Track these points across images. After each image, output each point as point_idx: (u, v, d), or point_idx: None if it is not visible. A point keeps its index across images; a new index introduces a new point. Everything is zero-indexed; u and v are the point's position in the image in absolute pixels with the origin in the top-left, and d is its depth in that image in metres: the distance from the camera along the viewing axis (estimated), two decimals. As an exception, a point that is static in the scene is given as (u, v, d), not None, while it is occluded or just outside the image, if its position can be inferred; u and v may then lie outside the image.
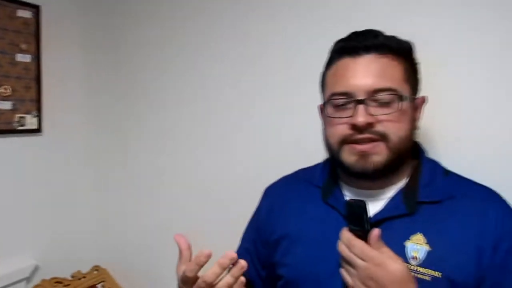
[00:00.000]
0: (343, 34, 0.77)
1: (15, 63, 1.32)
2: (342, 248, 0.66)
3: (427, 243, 0.69)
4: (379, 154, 0.70)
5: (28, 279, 1.39)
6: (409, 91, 0.72)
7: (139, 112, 1.44)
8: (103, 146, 1.55)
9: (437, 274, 0.66)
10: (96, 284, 1.25)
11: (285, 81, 1.12)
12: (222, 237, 1.02)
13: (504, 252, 0.67)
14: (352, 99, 0.70)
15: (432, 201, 0.72)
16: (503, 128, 0.86)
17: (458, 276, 0.66)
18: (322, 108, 0.79)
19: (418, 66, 0.77)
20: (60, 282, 1.20)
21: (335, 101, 0.73)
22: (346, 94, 0.71)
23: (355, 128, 0.70)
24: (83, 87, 1.55)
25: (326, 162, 0.85)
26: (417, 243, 0.69)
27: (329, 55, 0.78)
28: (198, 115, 1.29)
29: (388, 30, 0.74)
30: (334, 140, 0.74)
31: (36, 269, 1.40)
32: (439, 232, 0.69)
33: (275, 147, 1.13)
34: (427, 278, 0.67)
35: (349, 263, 0.65)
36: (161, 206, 1.39)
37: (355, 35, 0.75)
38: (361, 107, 0.69)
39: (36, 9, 1.37)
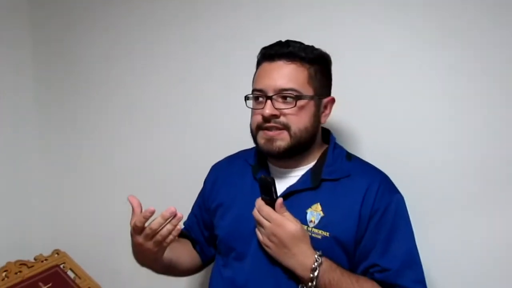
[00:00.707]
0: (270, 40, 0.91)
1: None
2: (255, 212, 0.83)
3: (321, 211, 0.85)
4: (282, 140, 0.85)
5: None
6: (312, 92, 0.87)
7: (89, 104, 1.54)
8: (58, 136, 1.64)
9: (326, 233, 0.83)
10: (59, 265, 1.36)
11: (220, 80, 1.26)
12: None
13: (374, 224, 0.83)
14: (264, 94, 0.85)
15: (332, 179, 0.87)
16: (403, 123, 1.03)
17: (341, 236, 0.83)
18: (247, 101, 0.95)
19: (325, 71, 0.90)
20: (25, 264, 1.30)
21: (254, 95, 0.88)
22: (261, 91, 0.86)
23: (264, 118, 0.85)
24: (35, 81, 1.63)
25: None
26: (315, 210, 0.85)
27: (257, 59, 0.92)
28: (145, 109, 1.41)
29: (311, 41, 0.89)
30: (253, 126, 0.89)
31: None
32: (332, 202, 0.85)
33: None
34: (319, 236, 0.83)
35: (260, 224, 0.82)
36: (111, 193, 1.52)
37: (275, 45, 0.89)
38: (269, 101, 0.84)
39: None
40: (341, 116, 1.06)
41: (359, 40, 1.06)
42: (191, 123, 1.35)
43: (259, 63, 0.92)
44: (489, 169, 0.95)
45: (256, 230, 0.85)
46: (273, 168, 0.93)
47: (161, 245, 0.82)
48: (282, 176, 0.90)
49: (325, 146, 0.93)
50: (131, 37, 1.42)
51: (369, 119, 1.07)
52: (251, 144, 1.00)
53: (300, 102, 0.84)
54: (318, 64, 0.88)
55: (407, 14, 1.01)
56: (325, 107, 0.90)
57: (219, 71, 1.27)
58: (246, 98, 0.91)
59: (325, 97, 0.90)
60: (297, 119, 0.85)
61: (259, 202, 0.83)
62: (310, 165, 0.91)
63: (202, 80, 1.30)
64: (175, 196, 1.19)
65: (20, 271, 1.25)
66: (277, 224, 0.80)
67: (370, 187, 0.86)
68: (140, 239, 0.81)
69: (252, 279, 0.87)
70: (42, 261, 1.33)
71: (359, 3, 1.05)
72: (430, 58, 1.00)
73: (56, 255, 1.39)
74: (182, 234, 1.03)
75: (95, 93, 1.54)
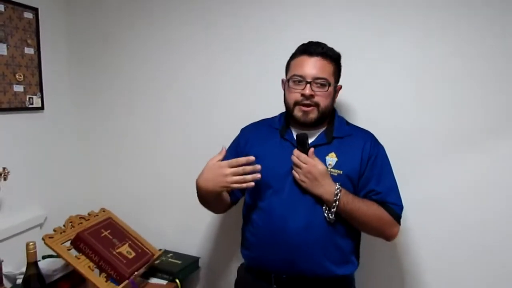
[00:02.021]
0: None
1: (23, 55, 1.66)
2: (293, 158, 1.24)
3: (336, 157, 1.28)
4: (313, 113, 1.27)
5: (41, 225, 1.77)
6: (334, 81, 1.29)
7: (118, 91, 1.88)
8: (88, 118, 1.95)
9: (340, 172, 1.27)
10: (110, 217, 1.67)
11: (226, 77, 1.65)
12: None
13: (371, 164, 1.29)
14: (304, 79, 1.25)
15: (339, 136, 1.32)
16: (385, 100, 1.51)
17: (350, 173, 1.27)
18: (284, 82, 1.34)
19: (339, 67, 1.32)
20: (83, 218, 1.60)
21: (294, 78, 1.27)
22: (301, 76, 1.26)
23: (304, 96, 1.25)
24: (71, 73, 1.92)
25: (281, 115, 1.40)
26: (331, 157, 1.29)
27: (295, 51, 1.31)
28: (173, 100, 1.77)
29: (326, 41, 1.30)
30: (291, 101, 1.29)
31: (46, 219, 1.79)
32: (342, 151, 1.29)
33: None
34: (335, 174, 1.26)
35: (297, 166, 1.23)
36: (138, 164, 1.88)
37: (311, 44, 1.29)
38: (308, 85, 1.24)
39: (35, 11, 1.71)
40: (344, 97, 1.50)
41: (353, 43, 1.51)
42: (216, 102, 1.73)
43: (295, 56, 1.30)
44: (453, 131, 1.47)
45: (293, 171, 1.25)
46: (295, 130, 1.33)
47: (238, 184, 1.19)
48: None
49: (331, 116, 1.36)
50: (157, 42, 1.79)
51: (361, 98, 1.55)
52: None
53: (329, 88, 1.26)
54: (337, 61, 1.30)
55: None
56: (337, 92, 1.33)
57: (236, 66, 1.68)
58: (288, 80, 1.29)
59: (338, 85, 1.32)
60: (324, 100, 1.27)
61: (297, 152, 1.24)
62: (322, 129, 1.33)
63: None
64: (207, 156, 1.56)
65: (81, 223, 1.56)
66: (312, 165, 1.22)
67: (366, 141, 1.31)
68: (227, 171, 1.19)
69: (288, 205, 1.26)
70: (94, 216, 1.64)
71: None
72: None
73: (103, 212, 1.70)
74: None
75: (127, 86, 1.87)
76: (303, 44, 1.30)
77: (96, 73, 1.90)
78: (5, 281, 1.46)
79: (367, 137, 1.34)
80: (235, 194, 1.42)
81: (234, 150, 1.42)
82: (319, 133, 1.32)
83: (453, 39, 1.44)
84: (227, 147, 1.24)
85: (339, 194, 1.21)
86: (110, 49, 1.87)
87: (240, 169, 1.20)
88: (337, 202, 1.20)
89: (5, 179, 1.40)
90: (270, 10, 1.61)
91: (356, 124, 1.43)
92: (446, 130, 1.49)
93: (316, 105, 1.26)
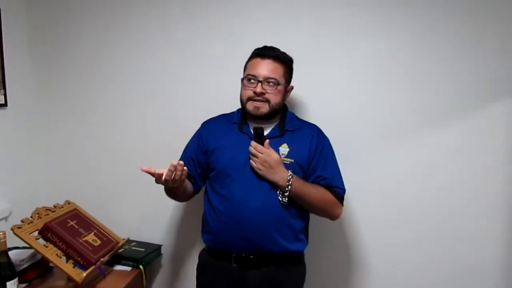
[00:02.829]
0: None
1: (-14, 53, 1.71)
2: (251, 148, 1.41)
3: (288, 147, 1.47)
4: (264, 108, 1.44)
5: (6, 218, 1.83)
6: (284, 82, 1.46)
7: (81, 86, 1.96)
8: (51, 112, 2.02)
9: (292, 160, 1.45)
10: (75, 209, 1.76)
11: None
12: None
13: (318, 154, 1.48)
14: (256, 79, 1.42)
15: (291, 129, 1.50)
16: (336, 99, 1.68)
17: (300, 161, 1.46)
18: (242, 80, 1.49)
19: (291, 69, 1.50)
20: (49, 209, 1.67)
21: (248, 77, 1.44)
22: (254, 76, 1.43)
23: (256, 93, 1.42)
24: (34, 69, 1.98)
25: (239, 111, 1.56)
26: (284, 148, 1.47)
27: (251, 54, 1.48)
28: (127, 90, 1.87)
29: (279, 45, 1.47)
30: (244, 97, 1.46)
31: (11, 212, 1.84)
32: (293, 142, 1.48)
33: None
34: (287, 162, 1.44)
35: (255, 155, 1.40)
36: (96, 153, 1.98)
37: (265, 48, 1.46)
38: (259, 84, 1.42)
39: (-4, 9, 1.76)
40: (301, 96, 1.70)
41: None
42: (177, 97, 1.86)
43: (251, 58, 1.48)
44: (392, 118, 1.70)
45: (251, 160, 1.42)
46: (251, 124, 1.50)
47: (180, 180, 1.33)
48: None
49: (283, 112, 1.54)
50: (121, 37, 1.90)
51: (309, 96, 1.75)
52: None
53: (278, 87, 1.43)
54: (288, 64, 1.48)
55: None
56: (288, 91, 1.51)
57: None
58: (243, 78, 1.47)
59: (289, 85, 1.50)
60: (274, 97, 1.45)
61: (254, 143, 1.42)
62: (275, 123, 1.51)
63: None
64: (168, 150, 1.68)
65: (47, 214, 1.64)
66: (267, 154, 1.39)
67: (313, 133, 1.51)
68: (170, 184, 1.32)
69: (247, 191, 1.43)
70: (60, 208, 1.72)
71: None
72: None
73: (68, 204, 1.78)
74: None
75: (86, 82, 1.95)
76: (258, 48, 1.48)
77: (58, 69, 1.97)
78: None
79: (315, 130, 1.54)
80: (197, 183, 1.58)
81: (196, 142, 1.58)
82: (273, 127, 1.50)
83: (383, 38, 1.67)
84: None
85: (291, 180, 1.38)
86: (71, 44, 1.95)
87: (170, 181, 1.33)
88: (289, 187, 1.38)
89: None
90: (229, 13, 1.77)
91: (305, 118, 1.63)
92: (384, 123, 1.73)
93: (267, 101, 1.43)
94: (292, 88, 1.53)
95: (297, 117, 1.58)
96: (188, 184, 1.54)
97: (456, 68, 1.64)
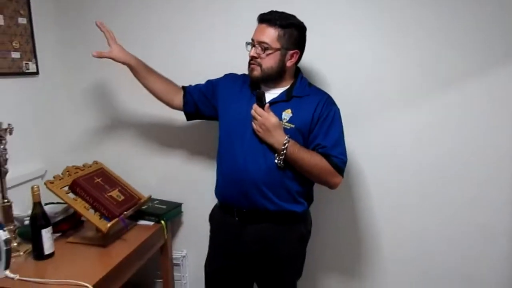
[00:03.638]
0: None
1: (18, 25, 1.85)
2: (252, 111, 1.47)
3: (291, 113, 1.51)
4: (257, 71, 1.50)
5: (42, 177, 2.02)
6: (279, 45, 1.47)
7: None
8: (78, 79, 2.15)
9: (292, 125, 1.50)
10: (102, 168, 1.93)
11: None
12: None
13: (320, 122, 1.50)
14: (252, 43, 1.48)
15: (298, 96, 1.54)
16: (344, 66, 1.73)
17: (301, 127, 1.51)
18: None
19: (294, 34, 1.48)
20: (78, 168, 1.84)
21: (249, 42, 1.51)
22: (251, 40, 1.49)
23: (250, 57, 1.47)
24: (61, 40, 2.11)
25: None
26: (287, 113, 1.52)
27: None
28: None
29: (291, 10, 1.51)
30: (248, 61, 1.51)
31: (47, 171, 2.03)
32: (297, 109, 1.52)
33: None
34: (288, 127, 1.50)
35: (255, 118, 1.47)
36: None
37: (265, 13, 1.48)
38: (253, 48, 1.47)
39: (26, -17, 1.89)
40: (312, 61, 1.76)
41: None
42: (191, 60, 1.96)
43: (258, 23, 1.51)
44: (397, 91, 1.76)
45: (252, 122, 1.49)
46: (263, 87, 1.56)
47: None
48: (269, 92, 1.54)
49: (295, 77, 1.59)
50: None
51: (326, 64, 1.80)
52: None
53: (268, 51, 1.47)
54: (287, 28, 1.47)
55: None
56: (291, 56, 1.51)
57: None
58: (247, 43, 1.52)
59: (291, 50, 1.50)
60: (265, 61, 1.49)
61: (255, 106, 1.48)
62: (285, 87, 1.55)
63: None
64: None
65: (76, 172, 1.81)
66: (265, 118, 1.45)
67: (319, 101, 1.52)
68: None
69: (247, 150, 1.52)
70: (88, 167, 1.89)
71: None
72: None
73: (95, 163, 1.94)
74: (183, 86, 1.74)
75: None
76: (262, 13, 1.50)
77: (84, 38, 2.08)
78: (15, 221, 1.72)
79: (323, 98, 1.54)
80: (187, 104, 1.73)
81: (211, 86, 1.70)
82: (281, 91, 1.55)
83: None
84: None
85: (286, 145, 1.44)
86: (96, 13, 2.04)
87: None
88: (284, 151, 1.44)
89: (10, 133, 1.63)
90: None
91: (318, 83, 1.68)
92: (395, 86, 1.78)
93: (259, 65, 1.49)
94: (296, 53, 1.52)
95: (309, 84, 1.60)
96: (173, 88, 1.74)
97: (470, 32, 1.65)
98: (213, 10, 1.90)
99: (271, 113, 1.46)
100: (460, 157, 1.75)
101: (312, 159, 1.47)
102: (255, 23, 1.52)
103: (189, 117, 1.77)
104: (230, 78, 1.70)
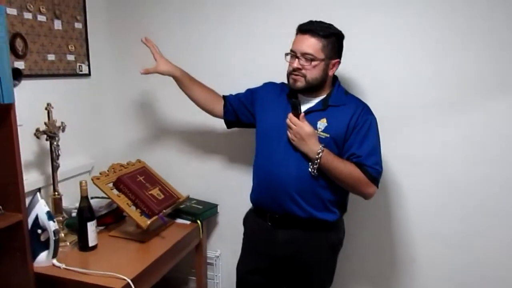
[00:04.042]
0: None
1: (74, 29, 1.98)
2: (287, 120, 1.50)
3: (326, 122, 1.53)
4: (301, 82, 1.51)
5: (89, 172, 2.14)
6: (323, 56, 1.48)
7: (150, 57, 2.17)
8: (126, 83, 2.27)
9: (327, 135, 1.52)
10: (144, 166, 2.02)
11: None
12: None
13: (356, 132, 1.50)
14: (295, 54, 1.50)
15: (334, 105, 1.55)
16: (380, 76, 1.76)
17: (336, 136, 1.51)
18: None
19: (335, 43, 1.50)
20: (123, 166, 1.95)
21: (289, 53, 1.52)
22: (293, 51, 1.51)
23: (293, 68, 1.50)
24: (112, 44, 2.24)
25: None
26: (322, 122, 1.53)
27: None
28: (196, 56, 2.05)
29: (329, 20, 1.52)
30: (288, 71, 1.54)
31: (93, 167, 2.16)
32: (333, 118, 1.53)
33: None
34: (323, 136, 1.51)
35: (289, 127, 1.49)
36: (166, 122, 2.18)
37: (306, 23, 1.50)
38: (297, 59, 1.49)
39: (83, -10, 2.02)
40: (350, 71, 1.78)
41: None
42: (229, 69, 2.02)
43: (296, 33, 1.52)
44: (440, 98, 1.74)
45: (287, 131, 1.51)
46: (300, 96, 1.58)
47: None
48: (305, 101, 1.56)
49: (332, 86, 1.60)
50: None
51: (362, 74, 1.81)
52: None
53: (314, 63, 1.48)
54: (330, 38, 1.48)
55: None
56: (333, 65, 1.53)
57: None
58: (286, 54, 1.54)
59: (333, 60, 1.52)
60: (310, 72, 1.50)
61: (290, 115, 1.50)
62: (323, 96, 1.57)
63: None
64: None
65: (121, 169, 1.91)
66: (300, 127, 1.47)
67: (355, 110, 1.52)
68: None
69: (282, 157, 1.54)
70: (132, 165, 1.99)
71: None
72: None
73: (139, 162, 2.04)
74: (223, 96, 1.79)
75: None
76: (300, 24, 1.52)
77: (132, 44, 2.19)
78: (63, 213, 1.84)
79: (359, 107, 1.54)
80: (228, 113, 1.78)
81: (250, 95, 1.75)
82: (318, 100, 1.57)
83: (440, 12, 1.69)
84: None
85: (321, 154, 1.45)
86: (144, 20, 2.16)
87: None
88: (318, 160, 1.46)
89: (63, 130, 1.75)
90: None
91: (355, 91, 1.70)
92: (437, 93, 1.75)
93: (304, 76, 1.50)
94: (338, 62, 1.54)
95: (346, 93, 1.60)
96: (214, 97, 1.81)
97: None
98: (248, 21, 1.97)
99: (306, 122, 1.48)
100: (498, 170, 1.71)
101: (346, 169, 1.47)
102: (289, 33, 1.55)
103: (229, 125, 1.83)
104: (268, 87, 1.74)
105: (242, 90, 1.82)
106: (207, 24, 2.04)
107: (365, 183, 1.48)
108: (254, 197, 1.68)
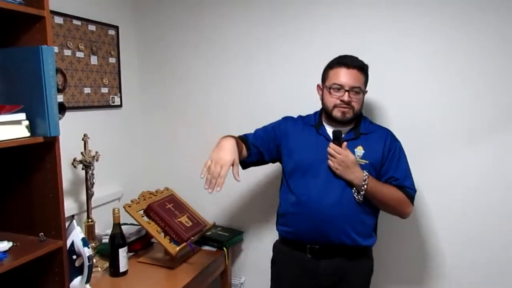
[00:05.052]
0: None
1: (108, 64, 2.11)
2: (330, 150, 1.54)
3: (363, 149, 1.59)
4: (349, 114, 1.57)
5: (119, 199, 2.22)
6: (364, 88, 1.59)
7: (179, 93, 2.27)
8: (154, 114, 2.37)
9: (366, 161, 1.57)
10: (172, 194, 2.09)
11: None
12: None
13: (390, 156, 1.58)
14: (343, 88, 1.55)
15: (365, 133, 1.62)
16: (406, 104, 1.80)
17: (374, 162, 1.57)
18: (321, 87, 1.65)
19: (367, 77, 1.60)
20: (152, 193, 2.02)
21: (334, 86, 1.57)
22: (341, 85, 1.55)
23: (343, 101, 1.55)
24: (142, 78, 2.36)
25: (316, 114, 1.71)
26: (359, 150, 1.59)
27: (333, 62, 1.58)
28: (219, 93, 2.13)
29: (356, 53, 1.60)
30: (330, 105, 1.58)
31: (123, 194, 2.24)
32: (367, 145, 1.60)
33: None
34: (362, 163, 1.56)
35: (333, 156, 1.53)
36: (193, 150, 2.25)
37: (347, 57, 1.56)
38: (346, 93, 1.55)
39: (116, 28, 2.15)
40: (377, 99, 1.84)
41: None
42: (260, 101, 2.09)
43: (333, 66, 1.57)
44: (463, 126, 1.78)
45: (328, 160, 1.54)
46: (327, 127, 1.64)
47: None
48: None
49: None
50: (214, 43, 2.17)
51: (382, 101, 1.87)
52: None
53: (360, 95, 1.57)
54: (366, 74, 1.59)
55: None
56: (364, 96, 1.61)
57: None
58: (329, 88, 1.57)
59: (365, 91, 1.61)
60: (358, 104, 1.58)
61: (332, 145, 1.54)
62: (350, 126, 1.63)
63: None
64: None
65: (150, 197, 1.98)
66: (345, 155, 1.52)
67: (386, 136, 1.61)
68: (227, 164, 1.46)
69: (324, 187, 1.55)
70: (160, 193, 2.06)
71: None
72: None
73: (167, 190, 2.11)
74: (241, 138, 1.67)
75: (184, 87, 2.27)
76: (341, 57, 1.59)
77: (160, 79, 2.32)
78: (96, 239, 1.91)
79: (388, 134, 1.64)
80: (252, 156, 1.69)
81: (272, 130, 1.71)
82: (348, 130, 1.63)
83: (461, 41, 1.75)
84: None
85: (366, 180, 1.51)
86: (170, 56, 2.28)
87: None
88: (365, 186, 1.50)
89: (97, 160, 1.84)
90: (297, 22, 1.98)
91: (379, 120, 1.79)
92: (455, 127, 1.80)
93: (352, 107, 1.56)
94: (366, 92, 1.63)
95: (371, 122, 1.70)
96: (243, 151, 1.64)
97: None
98: (275, 57, 2.05)
99: (349, 151, 1.54)
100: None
101: (389, 192, 1.55)
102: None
103: (246, 165, 1.73)
104: (289, 121, 1.76)
105: (275, 112, 1.86)
106: (234, 62, 2.15)
107: (406, 203, 1.57)
108: (289, 230, 1.66)
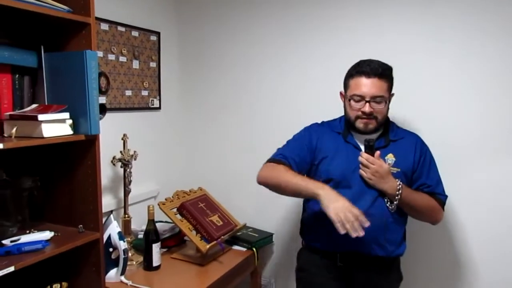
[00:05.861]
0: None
1: (149, 68, 2.21)
2: (362, 159, 1.50)
3: (394, 157, 1.56)
4: (372, 124, 1.53)
5: (155, 197, 2.32)
6: (388, 95, 1.53)
7: (216, 95, 2.35)
8: (191, 116, 2.46)
9: (398, 169, 1.54)
10: (205, 194, 2.16)
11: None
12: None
13: (422, 162, 1.56)
14: (364, 99, 1.50)
15: (394, 139, 1.59)
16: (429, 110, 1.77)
17: (406, 170, 1.55)
18: (343, 94, 1.61)
19: (393, 78, 1.53)
20: (186, 192, 2.10)
21: (355, 98, 1.50)
22: (361, 96, 1.50)
23: (364, 113, 1.51)
24: (181, 81, 2.45)
25: (341, 119, 1.67)
26: (390, 158, 1.56)
27: (352, 70, 1.51)
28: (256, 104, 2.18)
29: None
30: (352, 116, 1.54)
31: (159, 192, 2.33)
32: (398, 152, 1.57)
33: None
34: (394, 171, 1.54)
35: (366, 166, 1.50)
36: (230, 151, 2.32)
37: (366, 64, 1.47)
38: (367, 103, 1.50)
39: (158, 34, 2.25)
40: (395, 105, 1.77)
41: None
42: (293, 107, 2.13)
43: (353, 76, 1.51)
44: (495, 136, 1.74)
45: (360, 170, 1.50)
46: (355, 134, 1.60)
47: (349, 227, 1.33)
48: (362, 140, 1.57)
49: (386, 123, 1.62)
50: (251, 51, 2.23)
51: (408, 106, 1.83)
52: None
53: (384, 104, 1.51)
54: (390, 78, 1.53)
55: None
56: (390, 99, 1.56)
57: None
58: (349, 98, 1.52)
59: (391, 93, 1.55)
60: (381, 113, 1.52)
61: (365, 154, 1.50)
62: (379, 133, 1.59)
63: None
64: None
65: (184, 196, 2.05)
66: (378, 165, 1.48)
67: (416, 142, 1.58)
68: (354, 212, 1.34)
69: (357, 197, 1.48)
70: (194, 192, 2.13)
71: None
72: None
73: (200, 189, 2.18)
74: (276, 161, 1.59)
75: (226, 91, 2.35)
76: (360, 64, 1.51)
77: (199, 83, 2.40)
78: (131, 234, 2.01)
79: (418, 139, 1.61)
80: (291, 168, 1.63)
81: (305, 142, 1.63)
82: (377, 137, 1.57)
83: (493, 57, 1.70)
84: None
85: (400, 189, 1.48)
86: (209, 59, 2.36)
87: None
88: (399, 196, 1.48)
89: (135, 159, 1.94)
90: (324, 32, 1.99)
91: (407, 125, 1.74)
92: (490, 133, 1.76)
93: (375, 118, 1.51)
94: (393, 95, 1.56)
95: (397, 126, 1.65)
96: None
97: None
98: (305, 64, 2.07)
99: (382, 161, 1.49)
100: None
101: (422, 200, 1.53)
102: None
103: None
104: (316, 129, 1.69)
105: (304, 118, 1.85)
106: (266, 67, 2.20)
107: (438, 210, 1.55)
108: (318, 239, 1.62)
